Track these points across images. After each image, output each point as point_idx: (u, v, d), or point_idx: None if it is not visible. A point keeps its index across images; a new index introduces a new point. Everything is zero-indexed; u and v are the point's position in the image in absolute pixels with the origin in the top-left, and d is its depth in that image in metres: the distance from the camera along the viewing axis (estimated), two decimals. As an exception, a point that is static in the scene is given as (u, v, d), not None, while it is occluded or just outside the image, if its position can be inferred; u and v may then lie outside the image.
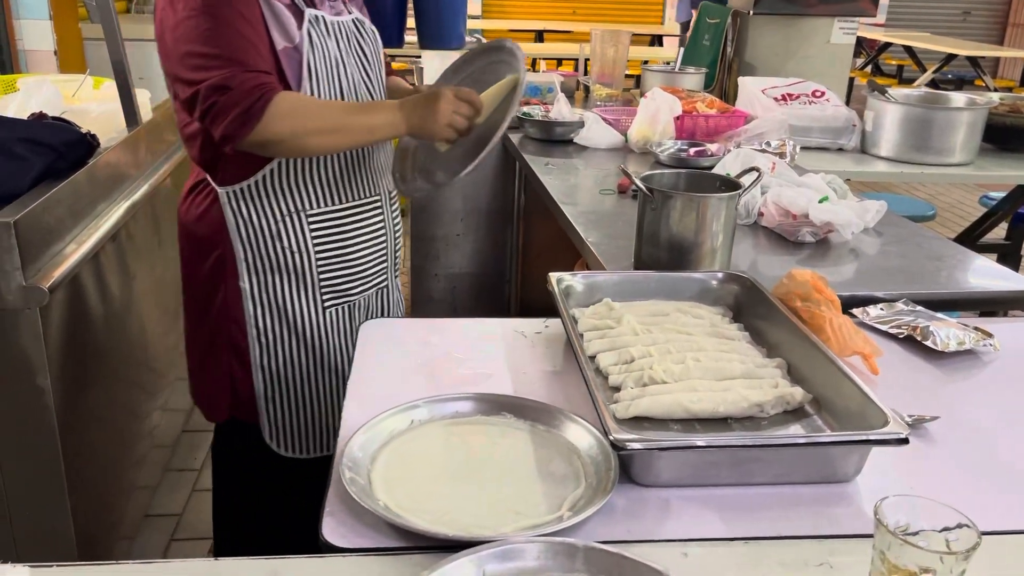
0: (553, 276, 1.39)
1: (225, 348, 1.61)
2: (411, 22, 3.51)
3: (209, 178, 1.54)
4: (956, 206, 5.61)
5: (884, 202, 1.91)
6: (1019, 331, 1.46)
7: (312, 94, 1.47)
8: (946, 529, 0.79)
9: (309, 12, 1.47)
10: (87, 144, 1.81)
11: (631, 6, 10.15)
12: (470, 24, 6.03)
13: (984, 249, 3.63)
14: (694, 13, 4.98)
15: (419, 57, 3.46)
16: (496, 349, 1.32)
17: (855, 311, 1.47)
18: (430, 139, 1.56)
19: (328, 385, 1.67)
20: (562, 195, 2.11)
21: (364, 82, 1.60)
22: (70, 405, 1.68)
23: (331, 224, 1.58)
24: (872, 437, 0.96)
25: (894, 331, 1.40)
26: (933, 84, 7.02)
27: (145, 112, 2.33)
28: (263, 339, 1.59)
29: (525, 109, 2.76)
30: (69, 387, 1.67)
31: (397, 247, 1.75)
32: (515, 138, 2.72)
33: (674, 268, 1.54)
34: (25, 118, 1.84)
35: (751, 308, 1.36)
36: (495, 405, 1.11)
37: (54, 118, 1.85)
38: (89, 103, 2.22)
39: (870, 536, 0.79)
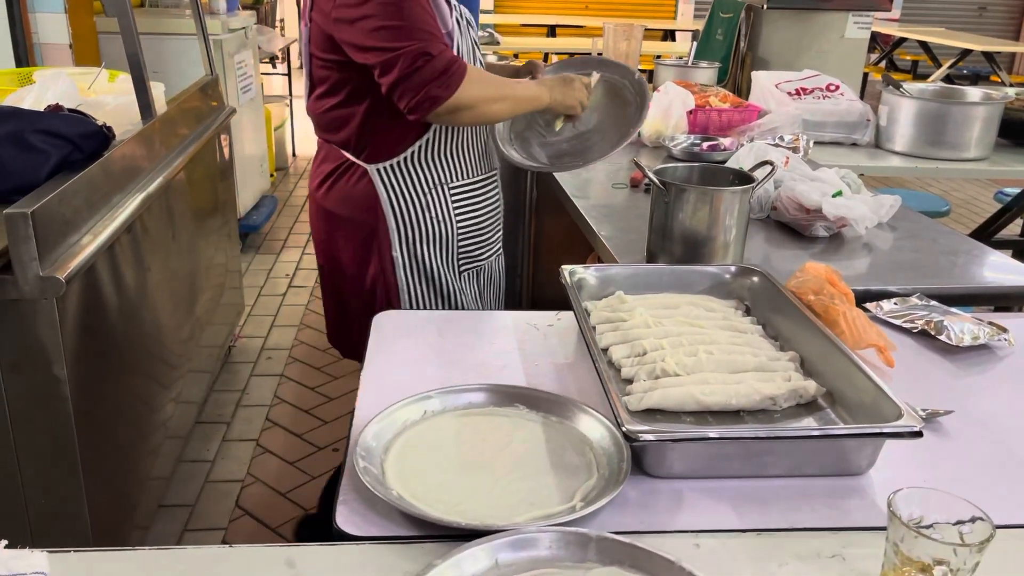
0: (566, 269, 1.39)
1: (379, 310, 1.74)
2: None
3: (354, 158, 1.64)
4: (971, 202, 5.57)
5: (898, 197, 1.90)
6: (1034, 326, 1.45)
7: None
8: (960, 522, 0.78)
9: (454, 3, 1.63)
10: (103, 136, 1.82)
11: (644, 1, 10.10)
12: (482, 19, 6.03)
13: (999, 245, 3.60)
14: None
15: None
16: (509, 341, 1.32)
17: (869, 305, 1.46)
18: (563, 111, 1.71)
19: None
20: (574, 189, 2.11)
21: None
22: (86, 395, 1.69)
23: (468, 195, 1.73)
24: (886, 430, 0.96)
25: (908, 325, 1.39)
26: (948, 79, 6.97)
27: (160, 105, 2.34)
28: (413, 302, 1.73)
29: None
30: (85, 377, 1.69)
31: None
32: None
33: (687, 262, 1.54)
34: (42, 110, 1.85)
35: (764, 301, 1.36)
36: (508, 396, 1.11)
37: (70, 110, 1.86)
38: (104, 96, 2.23)
39: (883, 528, 0.79)
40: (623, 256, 1.69)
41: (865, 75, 7.52)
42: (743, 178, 1.60)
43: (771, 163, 1.61)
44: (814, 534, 0.89)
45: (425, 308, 1.74)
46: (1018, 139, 2.83)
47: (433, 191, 1.67)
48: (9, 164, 1.66)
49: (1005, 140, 2.79)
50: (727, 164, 1.99)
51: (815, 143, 2.55)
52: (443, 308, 1.76)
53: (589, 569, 0.81)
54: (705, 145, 2.41)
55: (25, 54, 3.48)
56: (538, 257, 3.15)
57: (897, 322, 1.40)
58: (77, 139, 1.74)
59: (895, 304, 1.46)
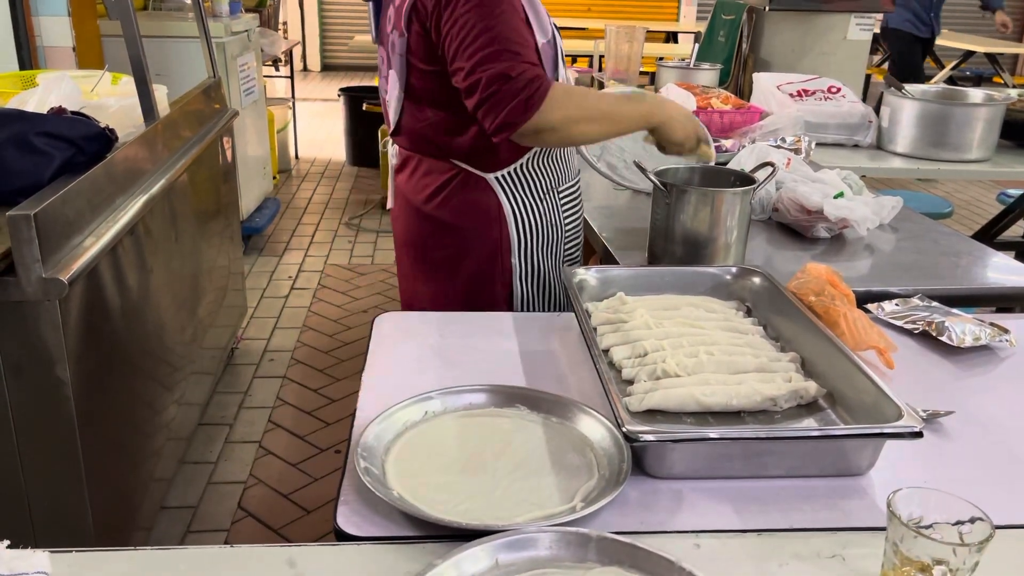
0: (567, 270, 1.39)
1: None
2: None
3: (470, 168, 1.59)
4: (973, 203, 5.57)
5: (899, 198, 1.90)
6: (1036, 327, 1.45)
7: None
8: (959, 522, 0.79)
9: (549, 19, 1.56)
10: (106, 138, 1.83)
11: (646, 3, 10.12)
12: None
13: (1002, 247, 3.60)
14: None
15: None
16: (510, 342, 1.32)
17: (870, 306, 1.46)
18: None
19: None
20: (576, 190, 2.11)
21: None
22: (89, 396, 1.69)
23: (571, 197, 1.73)
24: (886, 430, 0.96)
25: (909, 326, 1.39)
26: (951, 81, 6.96)
27: (163, 108, 2.35)
28: (524, 306, 1.71)
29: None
30: (88, 379, 1.69)
31: None
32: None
33: (688, 263, 1.54)
34: (45, 112, 1.86)
35: (765, 302, 1.36)
36: (509, 397, 1.11)
37: (73, 113, 1.87)
38: (107, 98, 2.24)
39: (883, 529, 0.79)
40: (625, 257, 1.69)
41: (868, 76, 7.52)
42: (744, 179, 1.60)
43: (772, 164, 1.61)
44: (814, 534, 0.89)
45: (535, 311, 1.71)
46: (1020, 140, 2.82)
47: (547, 195, 1.66)
48: (12, 166, 1.67)
49: (1007, 141, 2.79)
50: (728, 165, 1.99)
51: (817, 145, 2.55)
52: (550, 310, 1.73)
53: (589, 569, 0.81)
54: (707, 147, 2.41)
55: (28, 57, 3.50)
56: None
57: (898, 323, 1.40)
58: (80, 141, 1.75)
59: (896, 305, 1.47)
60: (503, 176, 1.60)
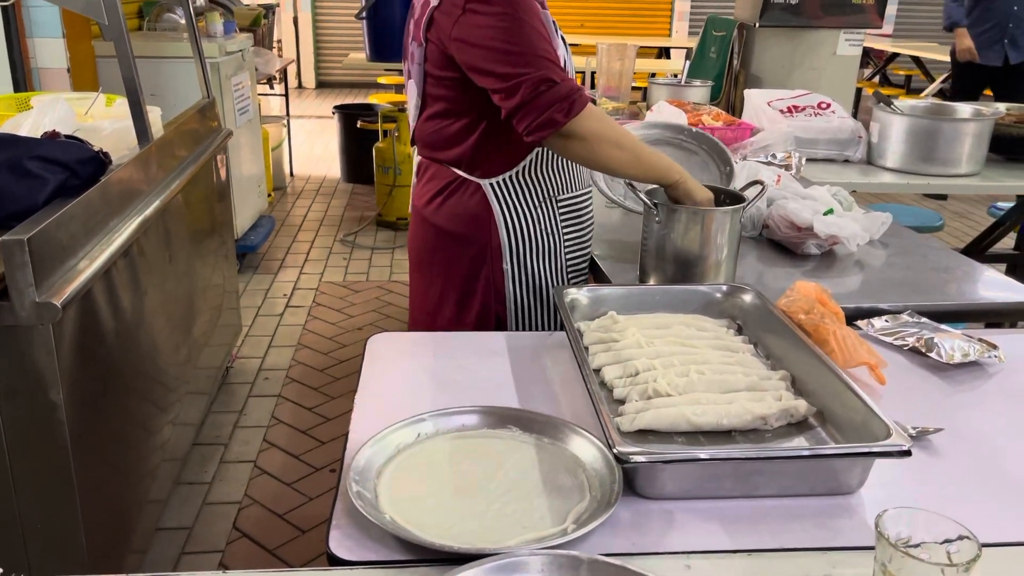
0: (559, 289, 1.40)
1: (487, 322, 1.75)
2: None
3: (467, 175, 1.66)
4: (965, 215, 5.60)
5: (889, 214, 1.92)
6: (1025, 342, 1.46)
7: None
8: (947, 541, 0.79)
9: (560, 33, 1.63)
10: (99, 162, 1.84)
11: (639, 19, 10.19)
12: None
13: (993, 259, 3.62)
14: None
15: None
16: (502, 362, 1.33)
17: (860, 323, 1.47)
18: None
19: None
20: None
21: None
22: (82, 419, 1.69)
23: (573, 208, 1.75)
24: (875, 449, 0.96)
25: (899, 343, 1.40)
26: (942, 94, 7.01)
27: (156, 129, 2.36)
28: (520, 313, 1.74)
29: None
30: (81, 401, 1.69)
31: None
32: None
33: (679, 281, 1.55)
34: (39, 136, 1.86)
35: (756, 320, 1.37)
36: (501, 418, 1.12)
37: (67, 136, 1.88)
38: (102, 120, 2.25)
39: (873, 548, 0.80)
40: (617, 275, 1.70)
41: (859, 90, 7.57)
42: (735, 198, 1.61)
43: (761, 183, 1.63)
44: (804, 554, 0.90)
45: (532, 320, 1.76)
46: (1009, 154, 2.85)
47: (542, 204, 1.70)
48: (7, 190, 1.68)
49: (996, 155, 2.81)
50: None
51: (808, 160, 2.57)
52: (549, 320, 1.77)
53: (580, 592, 0.81)
54: (698, 163, 2.42)
55: (23, 79, 3.51)
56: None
57: (888, 339, 1.41)
58: (74, 165, 1.76)
59: (886, 321, 1.48)
60: (497, 183, 1.66)
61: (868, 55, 8.28)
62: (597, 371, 1.24)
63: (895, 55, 8.06)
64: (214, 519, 2.44)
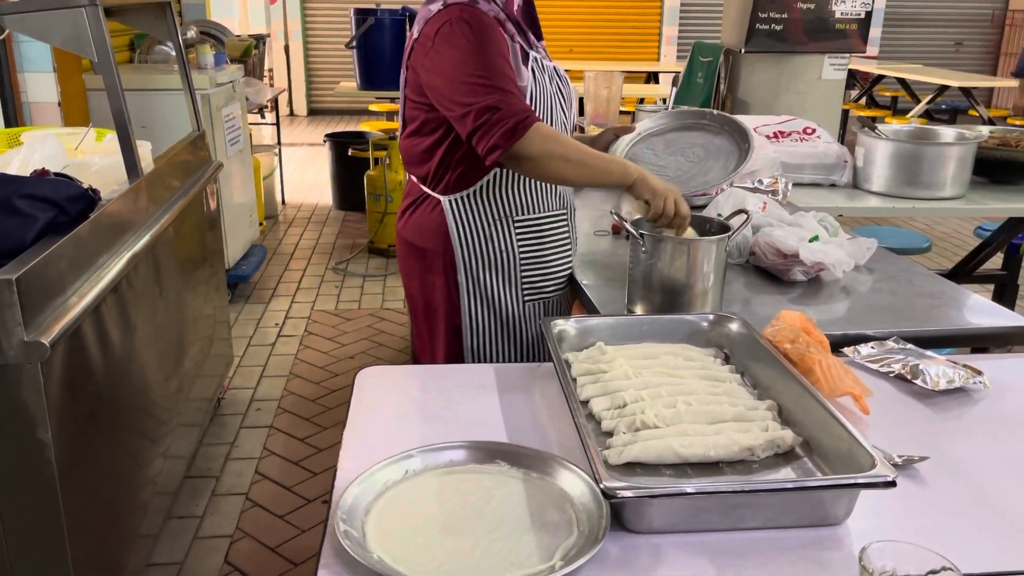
0: (547, 322, 1.41)
1: (445, 331, 1.85)
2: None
3: (430, 191, 1.78)
4: (952, 236, 5.64)
5: (874, 240, 1.94)
6: (1009, 368, 1.47)
7: None
8: (931, 572, 0.80)
9: (532, 54, 1.72)
10: (88, 199, 1.85)
11: (627, 44, 10.29)
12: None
13: (981, 279, 3.65)
14: None
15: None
16: (491, 395, 1.33)
17: (846, 350, 1.48)
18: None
19: None
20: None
21: (563, 123, 1.81)
22: (71, 457, 1.69)
23: (532, 229, 1.82)
24: (859, 481, 0.97)
25: (885, 370, 1.41)
26: (928, 115, 7.09)
27: (147, 163, 2.37)
28: (474, 325, 1.83)
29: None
30: (70, 439, 1.69)
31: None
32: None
33: (666, 310, 1.56)
34: (28, 175, 1.87)
35: (742, 349, 1.38)
36: (489, 453, 1.12)
37: (56, 174, 1.89)
38: (92, 156, 2.26)
39: (857, 582, 0.80)
40: (606, 304, 1.71)
41: (846, 112, 7.64)
42: (720, 227, 1.63)
43: (746, 212, 1.64)
44: (791, 588, 0.90)
45: (487, 335, 1.84)
46: (993, 176, 2.88)
47: (498, 222, 1.78)
48: (-4, 228, 1.68)
49: (980, 178, 2.84)
50: (706, 210, 2.03)
51: (794, 185, 2.59)
52: (504, 336, 1.84)
53: (568, 630, 0.81)
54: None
55: (14, 113, 3.52)
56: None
57: (874, 366, 1.42)
58: (63, 202, 1.76)
59: (872, 348, 1.49)
60: (455, 199, 1.77)
61: (854, 77, 8.37)
62: (585, 403, 1.24)
63: (881, 77, 8.15)
64: (206, 553, 2.43)
